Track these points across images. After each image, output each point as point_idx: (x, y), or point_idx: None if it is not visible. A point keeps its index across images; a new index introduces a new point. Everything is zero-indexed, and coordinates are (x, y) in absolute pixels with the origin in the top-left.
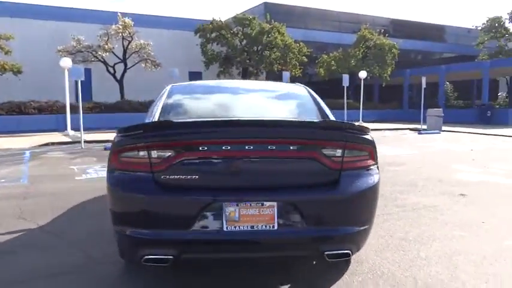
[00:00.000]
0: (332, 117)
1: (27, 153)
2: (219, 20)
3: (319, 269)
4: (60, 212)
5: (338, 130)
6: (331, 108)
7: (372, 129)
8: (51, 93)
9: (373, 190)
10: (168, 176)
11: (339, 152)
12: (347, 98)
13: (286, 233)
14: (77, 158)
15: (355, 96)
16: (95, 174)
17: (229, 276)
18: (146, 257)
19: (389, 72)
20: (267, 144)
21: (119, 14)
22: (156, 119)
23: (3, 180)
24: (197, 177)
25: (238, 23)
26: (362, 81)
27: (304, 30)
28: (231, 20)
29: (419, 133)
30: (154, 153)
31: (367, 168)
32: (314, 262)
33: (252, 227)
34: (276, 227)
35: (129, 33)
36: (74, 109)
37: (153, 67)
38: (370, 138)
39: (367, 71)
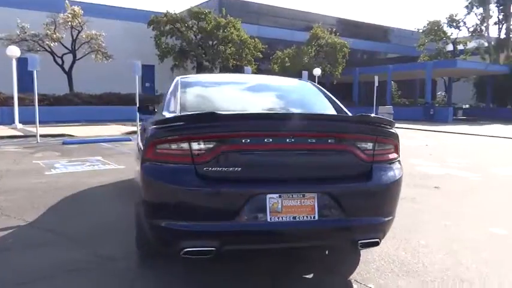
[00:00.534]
0: (346, 111)
1: None
2: (173, 12)
3: (335, 259)
4: (44, 208)
5: (371, 124)
6: None
7: None
8: None
9: (399, 182)
10: (210, 168)
11: (370, 145)
12: None
13: (326, 223)
14: (37, 153)
15: None
16: (64, 169)
17: (251, 264)
18: (187, 249)
19: (340, 70)
20: (307, 138)
21: (67, 1)
22: (178, 112)
23: None
24: (240, 169)
25: (193, 17)
26: (316, 78)
27: (258, 27)
28: (186, 13)
29: None
30: (196, 145)
31: (393, 161)
32: (326, 252)
33: (294, 217)
34: (316, 217)
35: (79, 23)
36: (19, 101)
37: (104, 59)
38: (395, 132)
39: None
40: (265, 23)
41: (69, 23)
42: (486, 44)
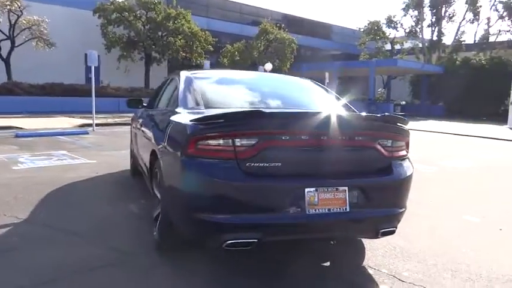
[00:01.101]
0: (352, 107)
1: None
2: (121, 0)
3: (342, 249)
4: (31, 204)
5: (391, 123)
6: None
7: None
8: None
9: (411, 176)
10: (252, 164)
11: (389, 142)
12: None
13: (356, 214)
14: None
15: None
16: (32, 163)
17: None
18: (230, 241)
19: (288, 66)
20: (339, 135)
21: None
22: (203, 108)
23: None
24: (280, 164)
25: (142, 6)
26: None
27: (207, 19)
28: (135, 2)
29: None
30: (238, 141)
31: (406, 157)
32: (332, 242)
33: (329, 209)
34: (348, 209)
35: (18, 7)
36: None
37: (46, 47)
38: (408, 130)
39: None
40: (214, 16)
41: (7, 7)
42: (420, 45)
